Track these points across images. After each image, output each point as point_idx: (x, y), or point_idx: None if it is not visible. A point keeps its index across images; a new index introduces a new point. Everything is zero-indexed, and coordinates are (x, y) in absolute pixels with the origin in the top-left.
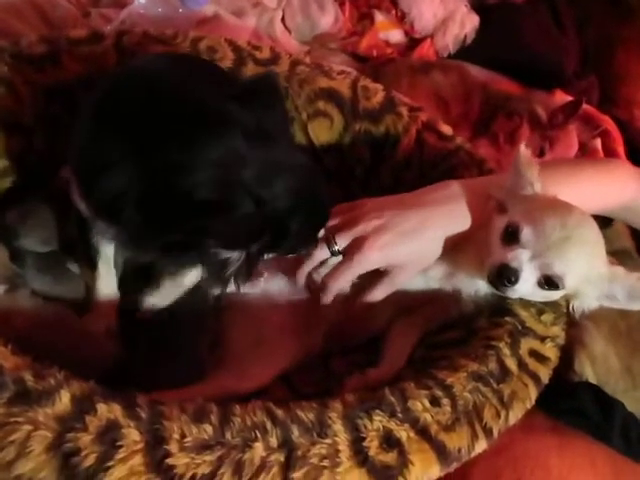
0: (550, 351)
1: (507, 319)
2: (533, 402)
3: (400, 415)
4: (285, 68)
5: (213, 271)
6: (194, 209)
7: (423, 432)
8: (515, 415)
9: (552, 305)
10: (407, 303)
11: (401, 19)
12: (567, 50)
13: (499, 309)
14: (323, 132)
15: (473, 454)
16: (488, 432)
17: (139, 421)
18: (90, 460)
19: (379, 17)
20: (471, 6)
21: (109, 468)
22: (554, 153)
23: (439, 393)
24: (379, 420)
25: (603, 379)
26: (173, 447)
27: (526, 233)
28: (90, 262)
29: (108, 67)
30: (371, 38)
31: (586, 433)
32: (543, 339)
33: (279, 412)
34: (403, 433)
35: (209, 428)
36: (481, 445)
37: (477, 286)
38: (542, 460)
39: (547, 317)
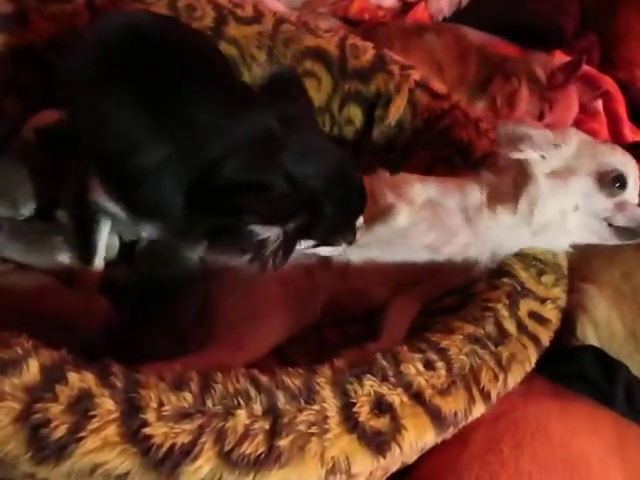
0: (551, 313)
1: (505, 280)
2: (533, 365)
3: (392, 379)
4: (269, 26)
5: (252, 251)
6: (235, 191)
7: (417, 396)
8: (514, 378)
9: (553, 266)
10: (409, 277)
11: None
12: (566, 9)
13: (498, 271)
14: (311, 93)
15: (470, 418)
16: (486, 396)
17: (114, 390)
18: (61, 431)
19: None
20: None
21: (81, 439)
22: (554, 115)
23: (433, 356)
24: (370, 385)
25: (606, 344)
26: (150, 416)
27: None
28: (85, 241)
29: (80, 27)
30: (362, 1)
31: (589, 397)
32: (543, 301)
33: (263, 379)
34: (395, 398)
35: (189, 396)
36: (479, 409)
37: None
38: (543, 425)
39: (548, 278)
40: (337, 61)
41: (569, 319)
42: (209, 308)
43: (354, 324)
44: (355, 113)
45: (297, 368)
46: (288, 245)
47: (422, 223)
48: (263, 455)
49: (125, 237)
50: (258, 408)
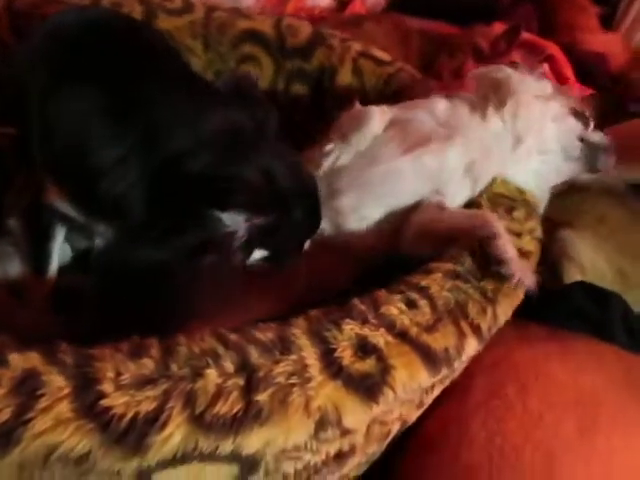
0: (530, 244)
1: None
2: (521, 297)
3: (374, 321)
4: (200, 15)
5: (218, 245)
6: (205, 182)
7: (402, 335)
8: (504, 311)
9: (522, 202)
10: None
11: None
12: None
13: None
14: None
15: (464, 355)
16: (476, 329)
17: (63, 366)
18: (4, 415)
19: None
20: None
21: (29, 420)
22: None
23: (414, 295)
24: (350, 329)
25: None
26: (107, 387)
27: None
28: (39, 249)
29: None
30: (298, 1)
31: (587, 334)
32: (519, 234)
33: (232, 336)
34: (380, 338)
35: (149, 362)
36: (471, 344)
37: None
38: (545, 366)
39: (519, 213)
40: (275, 41)
41: (555, 269)
42: (179, 304)
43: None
44: (301, 91)
45: (268, 323)
46: (250, 245)
47: (394, 137)
48: (240, 412)
49: (77, 245)
50: (229, 365)
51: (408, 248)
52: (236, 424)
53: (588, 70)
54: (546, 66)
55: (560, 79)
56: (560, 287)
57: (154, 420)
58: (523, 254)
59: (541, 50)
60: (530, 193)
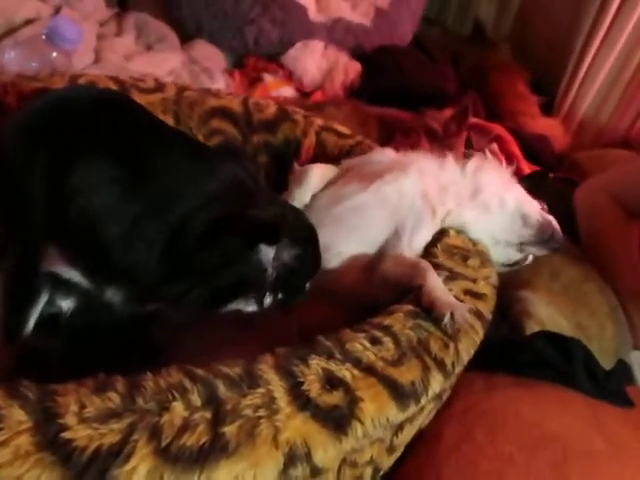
0: (485, 288)
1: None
2: (482, 337)
3: (339, 356)
4: (171, 93)
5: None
6: (252, 223)
7: (368, 369)
8: (466, 349)
9: (475, 252)
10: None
11: (289, 77)
12: (445, 76)
13: None
14: None
15: (431, 391)
16: (440, 364)
17: (25, 401)
18: None
19: (268, 78)
20: (351, 55)
21: None
22: None
23: (378, 333)
24: (316, 364)
25: None
26: (70, 420)
27: None
28: (17, 314)
29: None
30: (262, 91)
31: (552, 382)
32: (474, 280)
33: (199, 371)
34: (346, 372)
35: (115, 396)
36: (437, 379)
37: None
38: (513, 410)
39: (473, 262)
40: (242, 117)
41: (517, 329)
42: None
43: None
44: (266, 161)
45: (235, 360)
46: (275, 286)
47: (352, 178)
48: (207, 444)
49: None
50: (196, 399)
51: (376, 294)
52: (203, 456)
53: (534, 151)
54: (495, 145)
55: (509, 157)
56: (523, 338)
57: (118, 453)
58: (478, 297)
59: (489, 131)
60: (483, 245)
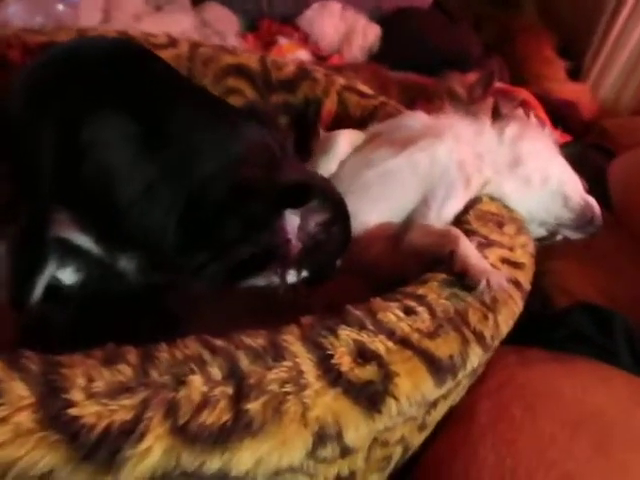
0: (523, 257)
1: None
2: (521, 308)
3: (371, 327)
4: (185, 49)
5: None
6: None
7: (403, 342)
8: (505, 321)
9: (510, 219)
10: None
11: (305, 41)
12: (467, 39)
13: None
14: None
15: (469, 365)
16: (479, 336)
17: (27, 373)
18: None
19: (283, 41)
20: (369, 18)
21: None
22: None
23: (412, 303)
24: (347, 335)
25: None
26: (77, 395)
27: None
28: (25, 281)
29: None
30: (277, 56)
31: (589, 358)
32: (511, 248)
33: (219, 342)
34: (379, 345)
35: (127, 369)
36: (476, 352)
37: None
38: (551, 385)
39: (509, 229)
40: (260, 75)
41: (547, 302)
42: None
43: None
44: (285, 125)
45: (258, 329)
46: (301, 260)
47: (382, 143)
48: (229, 423)
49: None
50: (216, 372)
51: (403, 266)
52: (224, 436)
53: (561, 117)
54: (521, 111)
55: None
56: (559, 311)
57: (130, 432)
58: (517, 266)
59: (515, 96)
60: (518, 213)
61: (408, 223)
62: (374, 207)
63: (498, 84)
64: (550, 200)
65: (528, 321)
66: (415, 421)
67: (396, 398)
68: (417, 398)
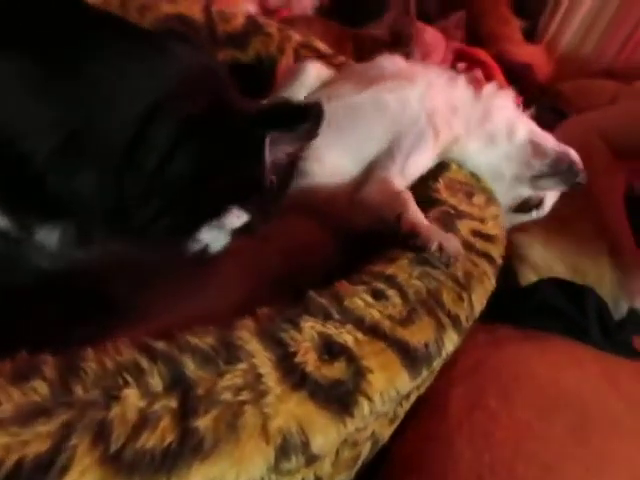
0: (495, 229)
1: (436, 208)
2: (494, 285)
3: (338, 316)
4: None
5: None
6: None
7: (373, 331)
8: (479, 300)
9: (480, 189)
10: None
11: None
12: None
13: (425, 200)
14: None
15: (444, 352)
16: (455, 320)
17: None
18: None
19: None
20: None
21: None
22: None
23: (381, 285)
24: (310, 327)
25: None
26: None
27: None
28: None
29: None
30: (222, 4)
31: (560, 333)
32: (482, 220)
33: (159, 345)
34: (347, 336)
35: (42, 386)
36: (451, 338)
37: None
38: (524, 368)
39: (478, 199)
40: (204, 27)
41: (510, 275)
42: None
43: None
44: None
45: (207, 326)
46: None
47: (350, 78)
48: (174, 445)
49: None
50: (156, 382)
51: (352, 217)
52: (169, 461)
53: (517, 79)
54: (479, 72)
55: None
56: (529, 285)
57: (49, 466)
58: (489, 239)
59: (473, 56)
60: (486, 182)
61: (368, 173)
62: (336, 141)
63: (457, 44)
64: (519, 152)
65: (494, 295)
66: (386, 416)
67: (369, 397)
68: (391, 394)
